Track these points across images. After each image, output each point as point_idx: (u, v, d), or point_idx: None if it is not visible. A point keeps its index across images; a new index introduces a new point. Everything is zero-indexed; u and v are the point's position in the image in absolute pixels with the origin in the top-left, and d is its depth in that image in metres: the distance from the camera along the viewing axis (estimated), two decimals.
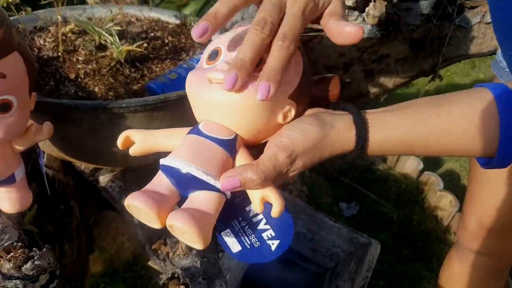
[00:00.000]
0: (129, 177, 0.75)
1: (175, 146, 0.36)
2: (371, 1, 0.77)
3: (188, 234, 0.32)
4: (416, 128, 0.35)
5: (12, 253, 0.48)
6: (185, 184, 0.34)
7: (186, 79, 0.37)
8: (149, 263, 0.60)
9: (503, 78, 0.69)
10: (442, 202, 1.42)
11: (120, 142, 0.39)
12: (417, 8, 0.87)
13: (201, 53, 0.71)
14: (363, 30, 0.34)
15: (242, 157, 0.35)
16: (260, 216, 0.38)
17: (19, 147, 0.53)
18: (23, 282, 0.48)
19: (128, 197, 0.33)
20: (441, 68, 1.12)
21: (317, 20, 0.38)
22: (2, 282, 0.47)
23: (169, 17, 0.89)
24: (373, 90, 1.18)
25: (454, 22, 1.00)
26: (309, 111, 0.38)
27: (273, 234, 0.38)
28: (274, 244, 0.37)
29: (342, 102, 0.39)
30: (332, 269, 1.09)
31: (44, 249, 0.50)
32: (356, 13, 0.70)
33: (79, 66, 0.73)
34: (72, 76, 0.72)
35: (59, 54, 0.75)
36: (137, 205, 0.32)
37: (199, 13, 1.22)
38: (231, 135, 0.35)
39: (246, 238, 0.38)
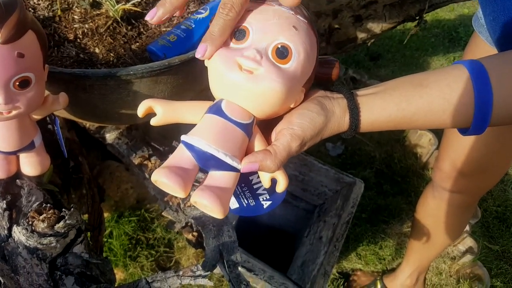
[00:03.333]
0: (134, 133, 0.79)
1: (194, 119, 0.39)
2: None
3: (210, 208, 0.36)
4: (401, 109, 0.40)
5: (44, 214, 0.54)
6: (208, 162, 0.37)
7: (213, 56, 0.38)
8: (163, 213, 0.66)
9: (482, 35, 0.72)
10: (422, 140, 1.51)
11: (141, 111, 0.40)
12: None
13: (197, 12, 0.73)
14: None
15: (257, 140, 0.39)
16: (260, 184, 0.44)
17: (37, 117, 0.57)
18: (55, 238, 0.54)
19: (155, 173, 0.36)
20: (427, 13, 1.15)
21: None
22: (38, 239, 0.53)
23: None
24: (361, 35, 1.21)
25: None
26: (311, 94, 0.42)
27: (268, 197, 0.44)
28: (266, 204, 0.44)
29: (338, 84, 0.43)
30: (320, 206, 1.19)
31: (72, 209, 0.55)
32: None
33: (75, 25, 0.74)
34: (71, 36, 0.72)
35: (55, 13, 0.75)
36: (164, 182, 0.35)
37: None
38: (250, 118, 0.38)
39: (244, 199, 0.44)
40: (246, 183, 0.44)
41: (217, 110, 0.38)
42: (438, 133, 1.50)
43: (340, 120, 0.40)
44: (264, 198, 0.44)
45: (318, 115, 0.39)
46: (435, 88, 0.40)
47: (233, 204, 0.44)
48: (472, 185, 0.91)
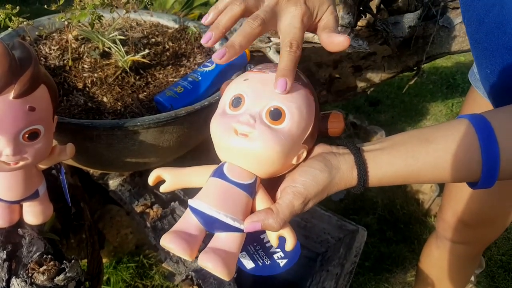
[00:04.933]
0: (137, 180, 0.79)
1: (200, 183, 0.41)
2: (361, 18, 0.82)
3: (215, 271, 0.37)
4: (408, 165, 0.40)
5: (44, 266, 0.53)
6: (213, 225, 0.39)
7: (212, 123, 0.41)
8: (163, 265, 0.65)
9: (479, 89, 0.73)
10: (423, 186, 1.50)
11: (151, 180, 0.43)
12: (404, 21, 0.91)
13: (204, 65, 0.75)
14: (349, 39, 0.41)
15: (261, 199, 0.40)
16: None
17: (43, 166, 0.57)
18: None
19: (163, 238, 0.38)
20: (424, 64, 1.18)
21: (311, 29, 0.45)
22: None
23: (168, 21, 0.91)
24: (361, 84, 1.24)
25: (437, 23, 1.05)
26: (316, 150, 0.43)
27: (282, 255, 0.44)
28: (282, 262, 0.44)
29: (344, 139, 0.44)
30: (322, 254, 1.17)
31: (73, 261, 0.55)
32: (349, 30, 0.75)
33: (85, 74, 0.76)
34: (80, 85, 0.74)
35: (65, 63, 0.77)
36: (172, 248, 0.37)
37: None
38: (252, 178, 0.40)
39: (259, 258, 0.45)
40: (258, 242, 0.45)
41: (219, 173, 0.40)
42: None
43: (347, 176, 0.40)
44: (279, 256, 0.44)
45: (321, 172, 0.39)
46: (442, 143, 0.40)
47: (249, 264, 0.45)
48: (476, 236, 0.89)
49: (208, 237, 0.41)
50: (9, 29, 0.76)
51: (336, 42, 0.42)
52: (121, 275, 1.12)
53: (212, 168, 0.41)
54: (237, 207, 0.38)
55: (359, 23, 0.93)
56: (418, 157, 0.40)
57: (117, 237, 1.06)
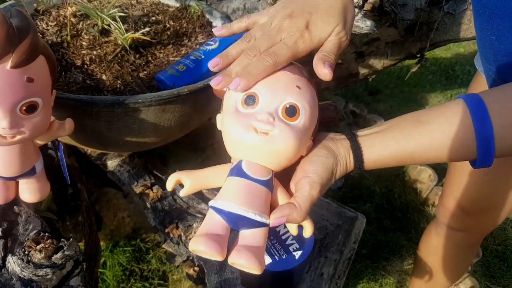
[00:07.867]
0: (136, 161, 0.78)
1: (219, 183, 0.42)
2: None
3: (248, 267, 0.38)
4: (401, 147, 0.41)
5: (41, 244, 0.52)
6: (238, 222, 0.39)
7: (226, 122, 0.41)
8: (163, 245, 0.64)
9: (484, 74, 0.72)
10: (422, 175, 1.50)
11: (170, 185, 0.42)
12: (412, 3, 0.90)
13: (207, 44, 0.73)
14: (332, 75, 0.42)
15: (280, 192, 0.42)
16: (288, 234, 0.46)
17: (41, 142, 0.56)
18: (52, 270, 0.51)
19: (192, 243, 0.37)
20: (427, 51, 1.16)
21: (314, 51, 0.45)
22: (33, 271, 0.51)
23: (169, 0, 0.89)
24: (363, 71, 1.22)
25: (443, 9, 1.03)
26: (317, 138, 0.44)
27: (298, 246, 0.46)
28: (298, 254, 0.46)
29: (340, 126, 0.46)
30: (321, 241, 1.16)
31: (71, 239, 0.53)
32: (356, 10, 0.73)
33: (83, 51, 0.74)
34: (78, 62, 0.72)
35: (63, 39, 0.75)
36: (203, 251, 0.37)
37: None
38: (269, 173, 0.41)
39: (275, 252, 0.46)
40: (274, 235, 0.46)
41: (238, 171, 0.40)
42: (438, 169, 1.49)
43: (346, 160, 0.42)
44: (295, 248, 0.46)
45: (327, 158, 0.41)
46: (434, 124, 0.40)
47: (266, 259, 0.45)
48: (475, 224, 0.89)
49: None
50: (8, 0, 0.74)
51: (319, 71, 0.42)
52: (118, 258, 1.11)
53: (227, 167, 0.42)
54: (261, 204, 0.39)
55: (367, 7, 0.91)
56: (410, 138, 0.41)
57: (114, 220, 1.05)
